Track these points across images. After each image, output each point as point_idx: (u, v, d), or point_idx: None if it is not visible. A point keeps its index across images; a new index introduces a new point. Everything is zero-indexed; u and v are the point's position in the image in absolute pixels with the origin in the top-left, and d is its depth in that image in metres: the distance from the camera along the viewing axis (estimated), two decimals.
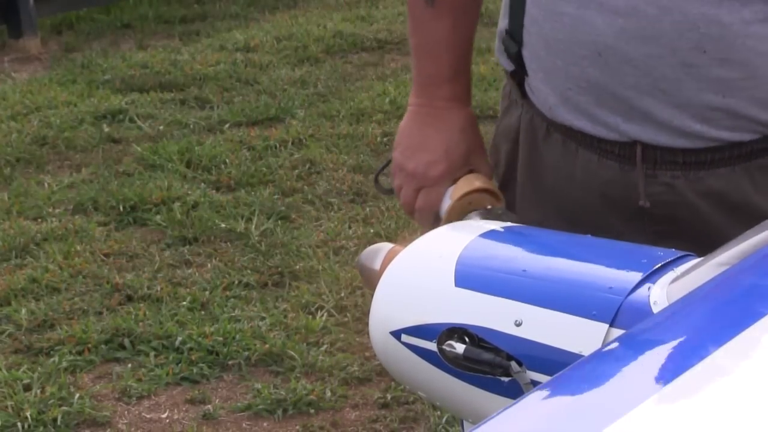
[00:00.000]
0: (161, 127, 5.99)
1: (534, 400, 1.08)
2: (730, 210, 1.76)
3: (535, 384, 1.44)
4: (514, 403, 1.05)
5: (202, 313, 4.05)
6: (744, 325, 1.11)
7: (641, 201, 1.78)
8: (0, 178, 5.38)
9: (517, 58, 1.87)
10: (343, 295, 4.13)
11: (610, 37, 1.69)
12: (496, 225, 1.69)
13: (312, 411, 3.54)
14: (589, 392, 1.06)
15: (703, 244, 1.53)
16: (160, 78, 6.78)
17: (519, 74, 1.88)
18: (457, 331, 1.51)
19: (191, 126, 5.98)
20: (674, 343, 1.13)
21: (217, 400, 3.61)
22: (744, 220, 1.59)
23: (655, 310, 1.40)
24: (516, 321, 1.47)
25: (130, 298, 4.18)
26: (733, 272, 1.29)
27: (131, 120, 6.08)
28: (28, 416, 3.47)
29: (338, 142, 5.64)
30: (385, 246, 1.73)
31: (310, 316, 4.01)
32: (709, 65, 1.67)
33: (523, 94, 1.89)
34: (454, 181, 1.90)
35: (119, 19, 8.43)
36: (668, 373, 1.05)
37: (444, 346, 1.52)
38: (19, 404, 3.53)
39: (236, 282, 4.27)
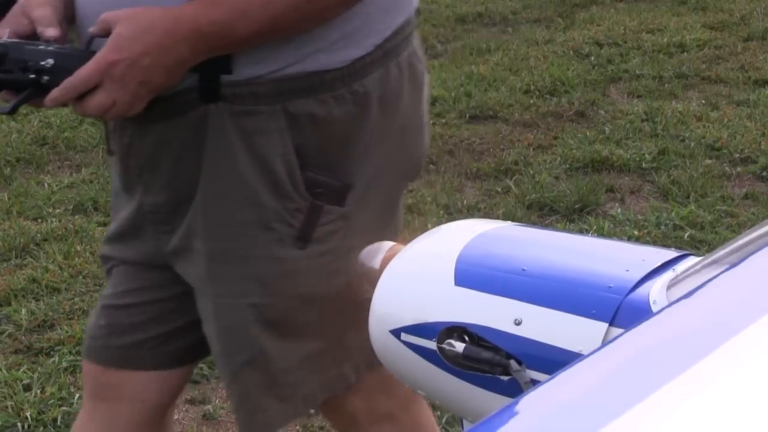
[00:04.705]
0: None
1: (532, 399, 1.08)
2: None
3: (534, 383, 1.44)
4: (513, 402, 1.05)
5: None
6: (743, 325, 1.11)
7: None
8: (0, 178, 5.38)
9: None
10: None
11: None
12: (496, 224, 1.69)
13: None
14: (587, 391, 1.06)
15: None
16: None
17: None
18: (456, 330, 1.51)
19: None
20: (674, 342, 1.13)
21: (217, 400, 3.61)
22: None
23: (655, 309, 1.40)
24: (515, 320, 1.47)
25: None
26: (733, 272, 1.29)
27: None
28: (28, 416, 3.47)
29: None
30: (385, 244, 1.74)
31: None
32: None
33: None
34: None
35: None
36: (667, 373, 1.04)
37: (443, 345, 1.52)
38: (19, 404, 3.52)
39: None
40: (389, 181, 2.06)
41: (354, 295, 1.96)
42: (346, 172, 1.96)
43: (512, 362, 1.45)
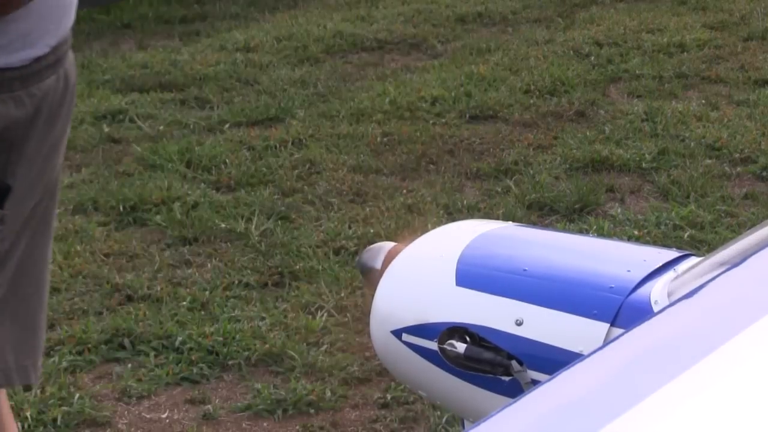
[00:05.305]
0: (161, 127, 5.99)
1: (533, 398, 1.08)
2: None
3: (535, 383, 1.44)
4: (513, 402, 1.05)
5: (202, 313, 4.04)
6: (744, 325, 1.11)
7: None
8: None
9: None
10: (343, 295, 4.13)
11: None
12: (497, 225, 1.70)
13: (312, 411, 3.54)
14: (587, 391, 1.06)
15: None
16: (160, 78, 6.78)
17: None
18: (458, 331, 1.51)
19: (191, 126, 5.98)
20: (675, 342, 1.13)
21: (217, 400, 3.61)
22: None
23: (656, 309, 1.41)
24: (517, 320, 1.47)
25: (130, 298, 4.18)
26: (734, 272, 1.29)
27: (131, 120, 6.08)
28: (28, 416, 3.47)
29: (338, 142, 5.64)
30: (386, 245, 1.74)
31: (310, 316, 4.01)
32: None
33: None
34: None
35: (119, 19, 8.43)
36: (668, 373, 1.05)
37: (445, 345, 1.52)
38: (19, 404, 3.52)
39: (236, 282, 4.27)
40: (38, 191, 2.06)
41: None
42: (8, 174, 1.98)
43: (514, 363, 1.46)
